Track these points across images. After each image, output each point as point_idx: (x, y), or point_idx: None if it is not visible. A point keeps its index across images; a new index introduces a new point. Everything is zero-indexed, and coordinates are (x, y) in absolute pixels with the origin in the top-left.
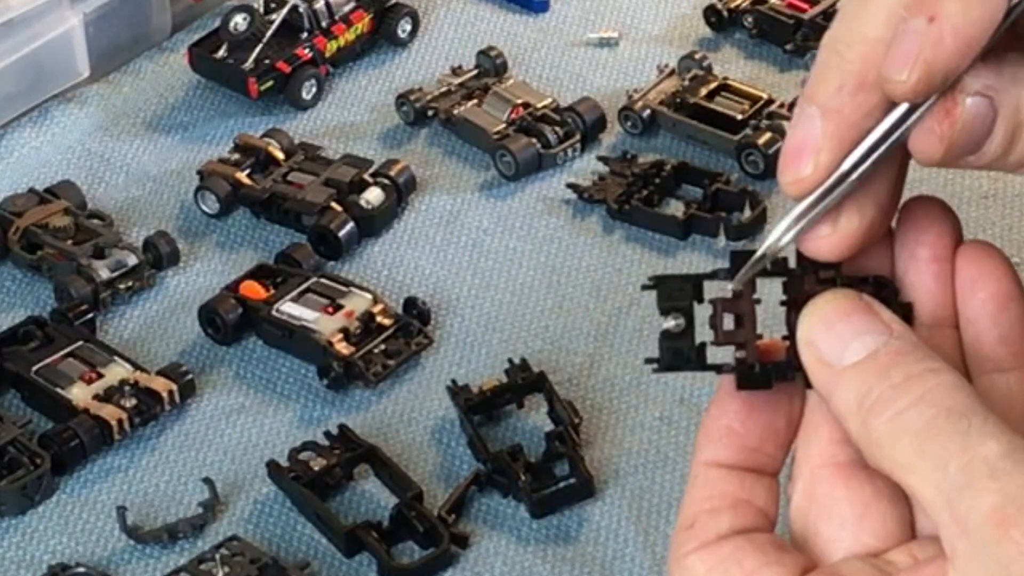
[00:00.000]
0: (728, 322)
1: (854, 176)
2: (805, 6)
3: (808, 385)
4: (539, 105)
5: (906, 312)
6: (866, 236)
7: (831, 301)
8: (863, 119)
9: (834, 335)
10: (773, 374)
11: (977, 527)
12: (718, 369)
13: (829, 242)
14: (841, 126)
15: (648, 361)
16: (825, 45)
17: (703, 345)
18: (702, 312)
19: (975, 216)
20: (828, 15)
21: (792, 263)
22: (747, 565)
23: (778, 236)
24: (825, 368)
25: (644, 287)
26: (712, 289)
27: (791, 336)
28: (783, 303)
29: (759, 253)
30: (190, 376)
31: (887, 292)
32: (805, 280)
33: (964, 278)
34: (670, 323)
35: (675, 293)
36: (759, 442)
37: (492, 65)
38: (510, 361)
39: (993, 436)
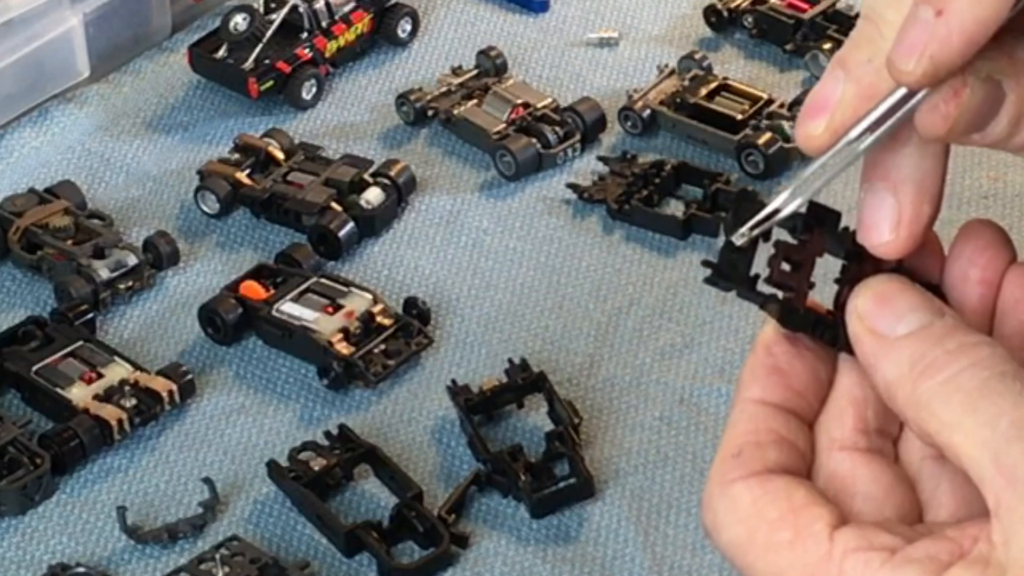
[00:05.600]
0: (785, 267)
1: (861, 147)
2: (805, 6)
3: (847, 350)
4: (539, 105)
5: None
6: (924, 235)
7: (886, 281)
8: (883, 93)
9: (888, 308)
10: (815, 324)
11: None
12: (763, 300)
13: (893, 247)
14: (861, 96)
15: (705, 264)
16: (866, 14)
17: (756, 277)
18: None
19: (975, 216)
20: (828, 15)
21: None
22: (795, 500)
23: (783, 201)
24: (876, 338)
25: (727, 198)
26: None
27: (838, 311)
28: (837, 281)
29: (762, 215)
30: (190, 376)
31: (938, 297)
32: (866, 264)
33: (1008, 298)
34: (737, 238)
35: (748, 215)
36: (803, 387)
37: (492, 65)
38: (510, 361)
39: None
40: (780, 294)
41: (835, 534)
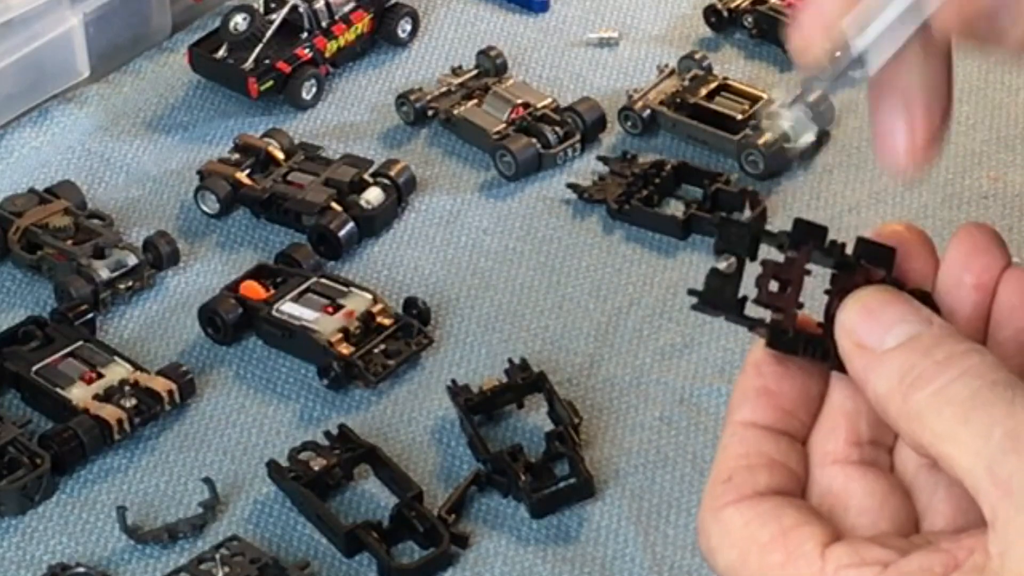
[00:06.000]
0: (773, 286)
1: (873, 68)
2: None
3: (838, 368)
4: (539, 105)
5: None
6: (938, 143)
7: (873, 293)
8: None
9: (875, 321)
10: (804, 344)
11: (1020, 487)
12: (752, 324)
13: (910, 156)
14: None
15: (691, 293)
16: None
17: (744, 299)
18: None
19: (975, 216)
20: None
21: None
22: (785, 522)
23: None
24: (865, 352)
25: (712, 223)
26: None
27: (827, 323)
28: (827, 292)
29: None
30: (190, 376)
31: (928, 305)
32: (856, 275)
33: (1003, 304)
34: (722, 263)
35: (734, 238)
36: (793, 406)
37: (492, 65)
38: (510, 361)
39: None
40: (769, 316)
41: (827, 552)
